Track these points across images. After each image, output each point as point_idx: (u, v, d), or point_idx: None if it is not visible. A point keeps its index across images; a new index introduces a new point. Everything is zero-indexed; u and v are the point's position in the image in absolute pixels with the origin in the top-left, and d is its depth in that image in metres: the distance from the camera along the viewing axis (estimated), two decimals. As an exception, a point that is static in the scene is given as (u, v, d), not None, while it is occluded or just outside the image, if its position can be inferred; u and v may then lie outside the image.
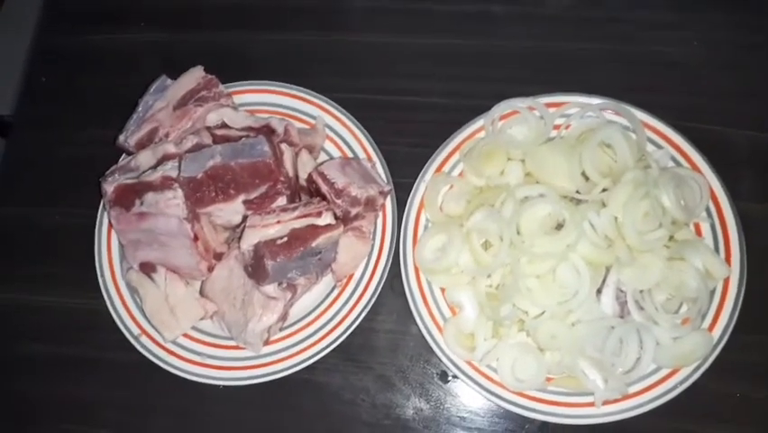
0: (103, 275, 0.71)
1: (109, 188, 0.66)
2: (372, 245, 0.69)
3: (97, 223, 0.73)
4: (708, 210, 0.66)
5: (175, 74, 0.75)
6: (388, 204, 0.70)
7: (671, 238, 0.64)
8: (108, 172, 0.69)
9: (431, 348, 0.66)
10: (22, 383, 0.72)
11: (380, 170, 0.72)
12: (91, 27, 0.86)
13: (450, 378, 0.68)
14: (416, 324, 0.66)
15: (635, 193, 0.62)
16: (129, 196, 0.66)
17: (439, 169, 0.71)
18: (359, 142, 0.73)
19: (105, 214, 0.72)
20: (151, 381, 0.69)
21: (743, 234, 0.65)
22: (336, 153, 0.73)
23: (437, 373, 0.68)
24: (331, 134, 0.74)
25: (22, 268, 0.76)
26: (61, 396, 0.71)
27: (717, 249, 0.65)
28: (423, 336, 0.66)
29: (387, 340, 0.70)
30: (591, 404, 0.62)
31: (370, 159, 0.72)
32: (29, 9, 0.94)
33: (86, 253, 0.72)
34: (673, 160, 0.68)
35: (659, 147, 0.68)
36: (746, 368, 0.65)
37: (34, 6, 0.91)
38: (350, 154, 0.73)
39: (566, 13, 0.79)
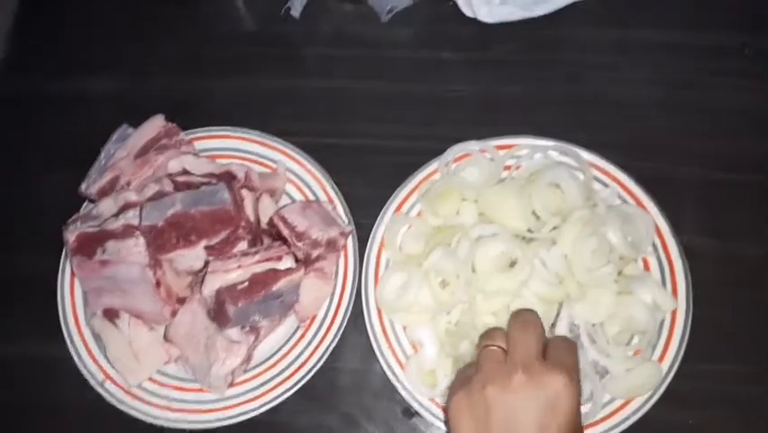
0: (66, 322, 0.71)
1: (71, 236, 0.67)
2: (334, 285, 0.71)
3: (60, 270, 0.73)
4: (654, 245, 0.69)
5: (137, 121, 0.76)
6: (350, 244, 0.72)
7: (619, 273, 0.67)
8: (70, 221, 0.70)
9: (394, 386, 0.67)
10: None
11: (341, 211, 0.73)
12: (52, 74, 0.86)
13: (414, 414, 0.69)
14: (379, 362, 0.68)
15: (583, 231, 0.65)
16: (91, 244, 0.67)
17: (398, 209, 0.73)
18: (319, 185, 0.75)
19: (68, 261, 0.73)
20: (116, 427, 0.69)
21: (688, 268, 0.68)
22: (298, 196, 0.75)
23: (401, 410, 0.69)
24: (292, 177, 0.76)
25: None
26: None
27: (663, 282, 0.68)
28: (386, 374, 0.68)
29: (351, 379, 0.71)
30: (549, 437, 0.64)
31: (330, 201, 0.74)
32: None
33: (48, 301, 0.72)
34: (620, 197, 0.71)
35: (606, 186, 0.71)
36: (697, 396, 0.67)
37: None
38: (311, 196, 0.75)
39: (512, 57, 0.82)
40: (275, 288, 0.64)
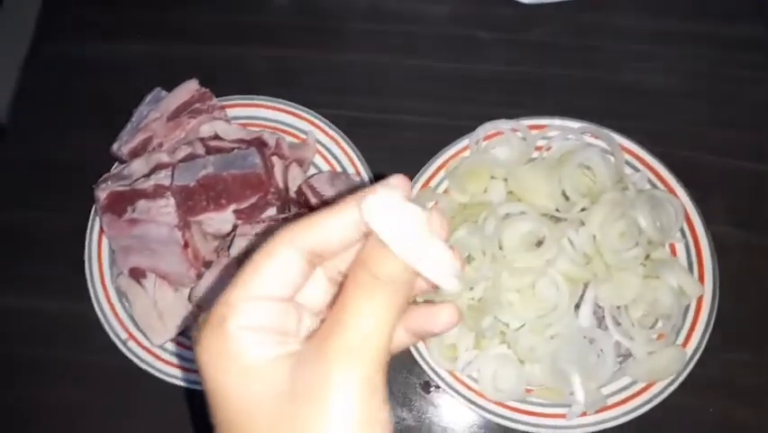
0: (92, 280, 0.72)
1: (102, 194, 0.68)
2: (359, 257, 0.71)
3: (88, 228, 0.73)
4: (682, 231, 0.69)
5: (169, 86, 0.76)
6: (376, 218, 0.72)
7: (647, 257, 0.67)
8: (101, 180, 0.71)
9: (414, 359, 0.67)
10: (5, 388, 0.73)
11: (368, 184, 0.73)
12: (88, 37, 0.87)
13: (432, 388, 0.69)
14: (400, 335, 0.68)
15: (613, 213, 0.65)
16: (121, 203, 0.67)
17: (425, 185, 0.73)
18: (347, 157, 0.75)
19: (97, 219, 0.73)
20: (137, 386, 0.70)
21: (715, 255, 0.68)
22: (325, 167, 0.75)
23: (420, 384, 0.70)
24: (320, 149, 0.76)
25: (9, 271, 0.77)
26: (46, 401, 0.72)
27: (690, 269, 0.68)
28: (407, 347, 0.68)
29: (371, 351, 0.71)
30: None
31: (358, 173, 0.74)
32: (25, 17, 0.95)
33: (75, 259, 0.73)
34: (650, 182, 0.70)
35: (636, 170, 0.71)
36: (718, 385, 0.67)
37: (31, 15, 0.92)
38: (338, 168, 0.75)
39: (547, 40, 0.82)
40: (302, 254, 0.64)
